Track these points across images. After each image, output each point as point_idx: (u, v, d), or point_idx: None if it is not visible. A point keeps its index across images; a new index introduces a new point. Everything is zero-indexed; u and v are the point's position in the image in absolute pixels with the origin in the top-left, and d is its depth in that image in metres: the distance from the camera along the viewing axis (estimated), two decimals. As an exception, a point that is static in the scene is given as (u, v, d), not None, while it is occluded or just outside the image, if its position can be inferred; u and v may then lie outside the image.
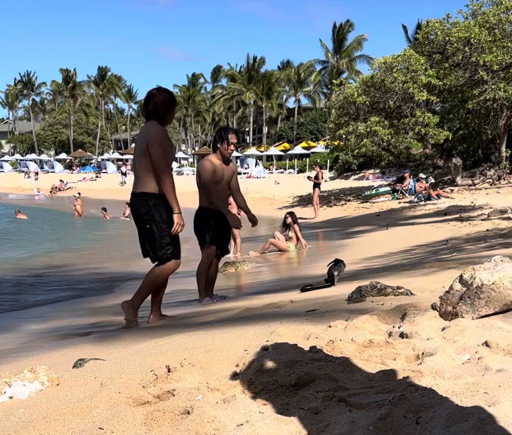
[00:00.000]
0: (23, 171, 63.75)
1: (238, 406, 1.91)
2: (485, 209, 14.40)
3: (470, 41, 20.69)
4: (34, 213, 25.41)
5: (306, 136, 59.09)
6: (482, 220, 12.48)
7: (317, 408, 1.86)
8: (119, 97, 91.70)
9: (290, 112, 72.52)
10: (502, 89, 20.44)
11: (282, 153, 58.67)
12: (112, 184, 47.81)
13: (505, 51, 20.70)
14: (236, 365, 2.43)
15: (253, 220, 6.21)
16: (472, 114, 23.20)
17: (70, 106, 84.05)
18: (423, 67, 21.56)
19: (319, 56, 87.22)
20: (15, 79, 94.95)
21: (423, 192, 21.40)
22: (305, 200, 26.77)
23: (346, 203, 24.41)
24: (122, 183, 47.22)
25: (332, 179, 37.90)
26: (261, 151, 62.42)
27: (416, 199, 21.08)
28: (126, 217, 23.93)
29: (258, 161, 56.70)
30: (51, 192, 44.89)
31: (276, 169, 52.21)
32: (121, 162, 66.97)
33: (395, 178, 27.60)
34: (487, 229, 10.38)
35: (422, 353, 2.37)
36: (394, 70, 21.66)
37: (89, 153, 76.60)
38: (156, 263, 4.83)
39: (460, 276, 3.15)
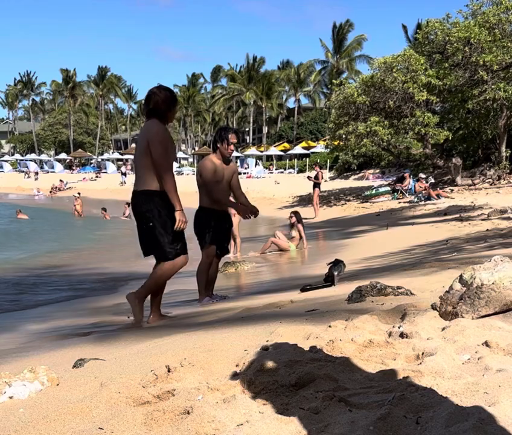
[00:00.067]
0: (23, 171, 63.74)
1: (238, 406, 1.91)
2: (485, 209, 14.41)
3: (470, 41, 20.69)
4: (35, 213, 25.41)
5: (306, 136, 59.09)
6: (482, 220, 12.48)
7: (317, 408, 1.86)
8: (119, 97, 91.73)
9: (290, 112, 72.52)
10: (501, 89, 20.44)
11: (282, 153, 58.67)
12: (112, 184, 47.81)
13: (504, 50, 20.70)
14: (236, 365, 2.43)
15: (254, 211, 6.17)
16: (472, 114, 23.21)
17: (70, 106, 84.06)
18: (423, 67, 21.57)
19: (319, 56, 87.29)
20: (15, 79, 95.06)
21: (423, 192, 21.40)
22: (305, 200, 26.78)
23: (346, 203, 24.42)
24: (122, 183, 47.23)
25: (332, 179, 37.91)
26: (261, 151, 62.43)
27: (416, 199, 21.09)
28: (126, 217, 23.94)
29: (258, 160, 56.71)
30: (50, 192, 44.89)
31: (276, 169, 52.22)
32: (121, 162, 66.98)
33: (395, 178, 27.60)
34: (487, 229, 10.38)
35: (422, 353, 2.37)
36: (394, 70, 21.67)
37: (89, 153, 76.59)
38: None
39: (460, 276, 3.15)
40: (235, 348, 2.68)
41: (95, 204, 30.00)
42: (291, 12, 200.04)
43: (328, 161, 41.65)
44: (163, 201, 4.66)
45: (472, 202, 17.08)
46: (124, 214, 24.45)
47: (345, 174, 38.33)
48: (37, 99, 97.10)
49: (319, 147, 48.97)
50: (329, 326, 2.94)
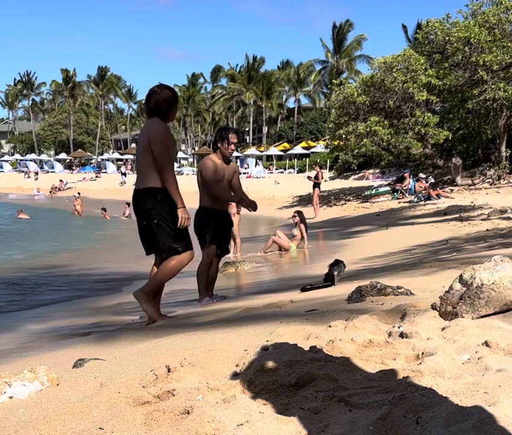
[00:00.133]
0: (23, 171, 63.75)
1: (238, 406, 1.91)
2: (485, 209, 14.41)
3: (470, 41, 20.70)
4: (35, 213, 25.41)
5: (306, 136, 59.09)
6: (482, 220, 12.48)
7: (317, 407, 1.86)
8: (119, 97, 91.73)
9: (290, 112, 72.52)
10: (501, 89, 20.45)
11: (282, 153, 58.67)
12: (112, 184, 47.81)
13: (504, 50, 20.71)
14: (236, 365, 2.43)
15: (253, 204, 6.20)
16: (472, 114, 23.21)
17: (70, 106, 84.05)
18: (423, 67, 21.57)
19: (318, 56, 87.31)
20: (15, 79, 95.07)
21: (423, 192, 21.41)
22: (305, 200, 26.79)
23: (346, 203, 24.42)
24: (122, 183, 47.25)
25: (332, 179, 37.92)
26: (261, 151, 62.43)
27: (416, 199, 21.09)
28: (126, 217, 23.96)
29: (258, 160, 56.70)
30: (50, 192, 44.89)
31: (276, 169, 52.22)
32: (120, 162, 67.01)
33: (394, 178, 27.61)
34: (487, 229, 10.38)
35: (422, 353, 2.37)
36: (394, 70, 21.68)
37: (88, 153, 76.59)
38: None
39: (460, 276, 3.15)
40: (235, 348, 2.68)
41: (95, 204, 30.01)
42: (291, 12, 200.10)
43: (328, 160, 41.66)
44: (166, 198, 4.67)
45: (472, 202, 17.08)
46: (124, 214, 24.46)
47: (344, 174, 38.34)
48: (37, 99, 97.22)
49: (319, 147, 48.97)
50: (329, 326, 2.94)
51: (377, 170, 35.75)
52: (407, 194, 23.11)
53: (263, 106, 70.19)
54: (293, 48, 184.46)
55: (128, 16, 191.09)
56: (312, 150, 52.74)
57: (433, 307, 3.19)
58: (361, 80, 23.54)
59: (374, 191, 25.72)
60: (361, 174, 36.43)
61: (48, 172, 64.44)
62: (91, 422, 1.97)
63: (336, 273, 5.36)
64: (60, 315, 6.35)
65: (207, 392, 2.09)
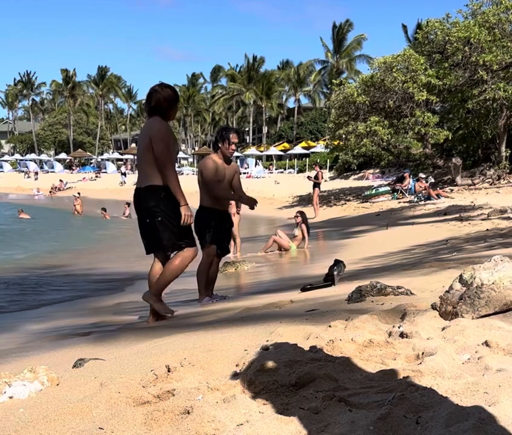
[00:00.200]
0: (22, 171, 63.76)
1: (238, 406, 1.91)
2: (485, 209, 14.41)
3: (470, 41, 20.70)
4: (35, 213, 25.41)
5: (306, 136, 59.09)
6: (482, 219, 12.48)
7: (317, 407, 1.86)
8: (119, 97, 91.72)
9: (290, 111, 72.51)
10: (501, 89, 20.45)
11: (282, 153, 58.66)
12: (112, 184, 47.81)
13: (504, 50, 20.71)
14: (236, 365, 2.43)
15: (252, 200, 6.21)
16: (472, 114, 23.21)
17: (70, 106, 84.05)
18: (423, 67, 21.57)
19: (318, 56, 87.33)
20: (15, 79, 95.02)
21: (423, 192, 21.41)
22: (305, 200, 26.79)
23: (346, 203, 24.43)
24: (121, 183, 47.25)
25: (332, 178, 37.91)
26: (261, 151, 62.42)
27: (416, 199, 21.10)
28: (126, 217, 23.97)
29: (258, 160, 56.69)
30: (50, 192, 44.89)
31: (276, 169, 52.21)
32: (120, 162, 67.01)
33: (394, 178, 27.61)
34: (487, 229, 10.38)
35: (422, 353, 2.37)
36: (394, 70, 21.68)
37: (88, 153, 76.59)
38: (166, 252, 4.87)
39: (460, 276, 3.15)
40: (235, 348, 2.68)
41: (94, 204, 30.01)
42: (291, 12, 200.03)
43: (328, 160, 41.66)
44: (168, 196, 4.70)
45: (472, 202, 17.09)
46: (124, 214, 24.47)
47: (344, 174, 38.34)
48: (37, 99, 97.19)
49: (319, 147, 48.97)
50: (329, 326, 2.94)
51: (377, 170, 35.75)
52: (407, 194, 23.11)
53: (263, 105, 70.18)
54: (293, 48, 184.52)
55: (128, 16, 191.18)
56: (312, 150, 52.73)
57: (433, 307, 3.19)
58: (361, 79, 23.55)
59: (374, 191, 25.72)
60: (361, 174, 36.43)
61: (47, 172, 64.44)
62: (91, 422, 1.97)
63: (335, 273, 5.36)
64: (60, 315, 6.35)
65: (207, 392, 2.09)
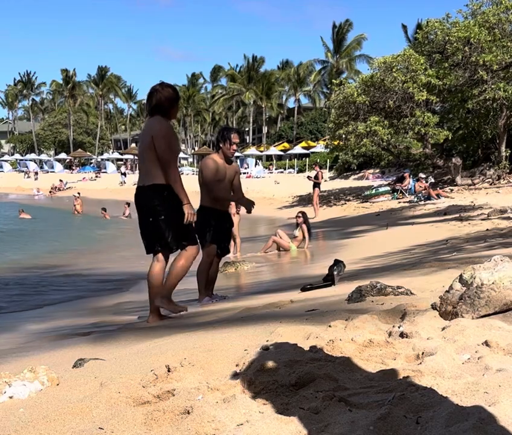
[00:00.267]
0: (22, 171, 63.76)
1: (238, 406, 1.91)
2: (485, 209, 14.41)
3: (470, 41, 20.70)
4: (36, 213, 25.41)
5: (306, 136, 59.08)
6: (482, 219, 12.48)
7: (317, 407, 1.86)
8: (118, 97, 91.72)
9: (290, 111, 72.50)
10: (501, 89, 20.45)
11: (282, 153, 58.65)
12: (112, 184, 47.80)
13: (504, 50, 20.71)
14: (237, 365, 2.44)
15: (250, 203, 6.24)
16: (472, 114, 23.21)
17: (70, 106, 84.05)
18: (423, 67, 21.57)
19: (318, 56, 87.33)
20: (15, 79, 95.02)
21: (423, 192, 21.41)
22: (304, 200, 26.78)
23: (346, 203, 24.42)
24: (121, 183, 47.26)
25: (332, 178, 37.91)
26: (261, 151, 62.41)
27: (416, 199, 21.09)
28: (126, 216, 23.97)
29: (258, 160, 56.69)
30: (50, 192, 44.89)
31: (275, 169, 52.20)
32: (120, 162, 67.01)
33: (394, 178, 27.61)
34: (487, 229, 10.38)
35: (422, 353, 2.37)
36: (394, 70, 21.68)
37: (88, 153, 76.58)
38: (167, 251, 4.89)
39: (460, 276, 3.15)
40: (235, 348, 2.68)
41: (94, 204, 30.01)
42: (291, 12, 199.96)
43: (328, 160, 41.66)
44: (171, 195, 4.72)
45: (472, 202, 17.09)
46: (123, 214, 24.48)
47: (344, 174, 38.34)
48: (37, 99, 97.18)
49: (319, 147, 48.98)
50: (329, 326, 2.94)
51: (377, 170, 35.75)
52: (407, 194, 23.11)
53: (263, 105, 70.18)
54: (293, 48, 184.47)
55: (128, 15, 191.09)
56: (312, 150, 52.73)
57: (433, 307, 3.19)
58: (361, 79, 23.54)
59: (373, 191, 25.72)
60: (361, 174, 36.42)
61: (47, 172, 64.45)
62: (91, 422, 1.97)
63: (335, 273, 5.36)
64: (60, 315, 6.36)
65: (207, 392, 2.09)
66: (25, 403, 2.26)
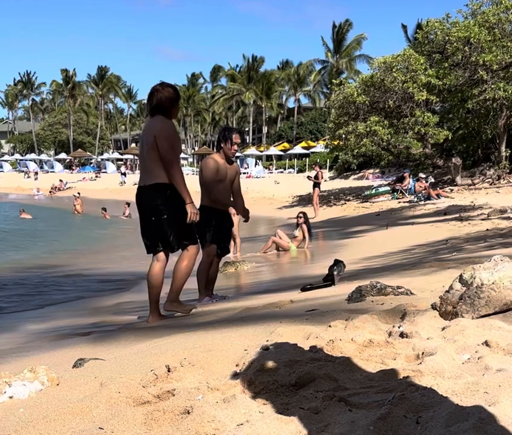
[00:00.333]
0: (22, 171, 63.74)
1: (238, 406, 1.90)
2: (485, 209, 14.41)
3: (470, 41, 20.70)
4: (36, 213, 25.42)
5: (306, 136, 59.07)
6: (482, 219, 12.48)
7: (317, 407, 1.86)
8: (118, 97, 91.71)
9: (290, 111, 72.49)
10: (501, 89, 20.45)
11: (281, 153, 58.64)
12: (112, 184, 47.80)
13: (504, 50, 20.71)
14: (237, 365, 2.43)
15: (247, 212, 6.28)
16: (472, 114, 23.21)
17: (70, 106, 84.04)
18: (423, 67, 21.57)
19: (318, 56, 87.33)
20: (15, 79, 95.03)
21: (423, 192, 21.41)
22: (304, 200, 26.78)
23: (345, 203, 24.42)
24: (121, 183, 47.25)
25: (332, 178, 37.91)
26: (261, 151, 62.39)
27: (415, 199, 21.09)
28: (126, 216, 23.98)
29: (258, 160, 56.66)
30: (50, 192, 44.89)
31: (275, 169, 52.19)
32: (120, 162, 66.99)
33: (394, 178, 27.61)
34: (487, 229, 10.38)
35: (423, 353, 2.37)
36: (394, 70, 21.67)
37: (88, 153, 76.57)
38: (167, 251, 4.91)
39: (460, 276, 3.15)
40: (235, 348, 2.68)
41: (94, 204, 30.01)
42: (291, 12, 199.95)
43: (328, 160, 41.66)
44: (174, 194, 4.73)
45: (472, 202, 17.08)
46: (123, 214, 24.49)
47: (344, 174, 38.33)
48: (37, 99, 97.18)
49: (319, 147, 48.98)
50: (329, 326, 2.94)
51: (377, 170, 35.75)
52: (407, 194, 23.11)
53: (263, 105, 70.17)
54: (293, 48, 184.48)
55: (128, 15, 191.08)
56: (312, 150, 52.72)
57: (433, 307, 3.19)
58: (361, 79, 23.54)
59: (373, 191, 25.71)
60: (361, 174, 36.42)
61: (47, 172, 64.43)
62: (91, 422, 1.97)
63: (335, 273, 5.36)
64: (60, 315, 6.35)
65: (207, 392, 2.09)
66: (25, 403, 2.26)
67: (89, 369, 2.81)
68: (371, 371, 2.23)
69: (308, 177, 22.57)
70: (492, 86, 20.67)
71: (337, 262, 5.50)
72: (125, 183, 46.34)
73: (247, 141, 77.12)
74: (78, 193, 28.31)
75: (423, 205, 19.20)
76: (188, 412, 1.89)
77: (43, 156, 77.92)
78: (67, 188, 45.67)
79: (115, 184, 47.48)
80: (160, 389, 2.14)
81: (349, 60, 61.86)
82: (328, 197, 26.99)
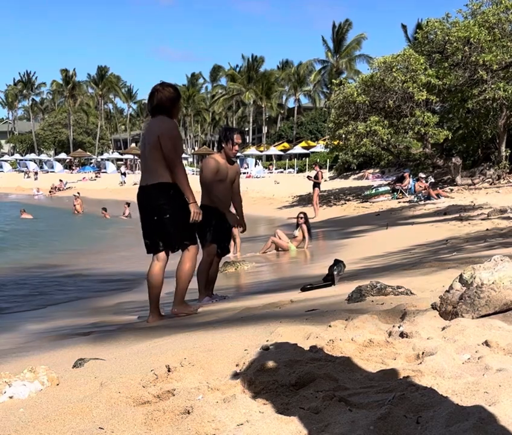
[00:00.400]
0: (22, 171, 63.73)
1: (238, 405, 1.90)
2: (485, 209, 14.42)
3: (470, 41, 20.70)
4: (36, 213, 25.43)
5: (306, 135, 59.05)
6: (482, 219, 12.49)
7: (318, 407, 1.86)
8: (118, 97, 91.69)
9: (290, 111, 72.48)
10: (501, 89, 20.45)
11: (281, 153, 58.62)
12: (112, 184, 47.80)
13: (504, 50, 20.71)
14: (237, 365, 2.43)
15: (243, 226, 6.33)
16: (472, 114, 23.21)
17: (70, 106, 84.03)
18: (423, 67, 21.57)
19: (318, 55, 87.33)
20: (15, 79, 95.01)
21: (423, 191, 21.41)
22: (304, 200, 26.77)
23: (345, 203, 24.42)
24: (121, 183, 47.24)
25: (332, 178, 37.90)
26: (261, 151, 62.37)
27: (415, 199, 21.09)
28: (126, 216, 23.98)
29: (258, 160, 56.65)
30: (50, 192, 44.89)
31: (275, 169, 52.18)
32: (120, 162, 66.98)
33: (394, 178, 27.61)
34: (487, 229, 10.38)
35: (423, 353, 2.37)
36: (394, 69, 21.67)
37: (88, 153, 76.55)
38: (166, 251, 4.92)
39: (460, 276, 3.15)
40: (235, 348, 2.68)
41: (94, 204, 30.02)
42: (291, 12, 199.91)
43: (328, 160, 41.65)
44: (177, 193, 4.74)
45: (472, 202, 17.08)
46: (124, 214, 24.49)
47: (344, 174, 38.32)
48: (37, 99, 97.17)
49: (319, 147, 48.95)
50: (329, 326, 2.94)
51: (377, 170, 35.74)
52: (407, 194, 23.11)
53: (263, 105, 70.16)
54: (293, 48, 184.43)
55: (128, 16, 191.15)
56: (312, 149, 52.70)
57: (433, 306, 3.19)
58: (361, 79, 23.55)
59: (373, 191, 25.71)
60: (361, 174, 36.41)
61: (47, 172, 64.42)
62: (91, 422, 1.97)
63: (335, 273, 5.36)
64: (60, 315, 6.36)
65: (207, 392, 2.09)
66: (25, 403, 2.26)
67: (89, 369, 2.81)
68: (371, 371, 2.23)
69: (308, 177, 22.57)
70: (492, 86, 20.67)
71: (337, 262, 5.50)
72: (125, 183, 46.33)
73: (247, 141, 77.13)
74: (78, 193, 28.33)
75: (423, 205, 19.20)
76: (188, 412, 1.89)
77: (43, 156, 77.90)
78: (67, 188, 45.67)
79: (115, 184, 47.48)
80: (160, 389, 2.14)
81: (349, 60, 61.85)
82: (328, 197, 26.99)
